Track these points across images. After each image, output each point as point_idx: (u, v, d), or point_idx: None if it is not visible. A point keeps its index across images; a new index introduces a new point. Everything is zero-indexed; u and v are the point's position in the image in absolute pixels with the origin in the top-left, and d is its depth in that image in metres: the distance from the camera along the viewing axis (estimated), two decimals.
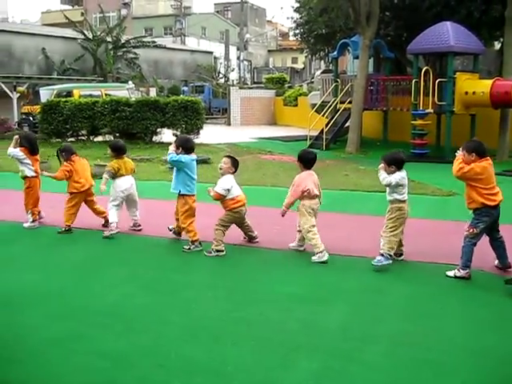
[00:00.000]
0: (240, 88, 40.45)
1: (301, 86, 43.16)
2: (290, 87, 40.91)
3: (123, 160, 8.69)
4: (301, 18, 30.44)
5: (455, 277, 6.52)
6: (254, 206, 9.88)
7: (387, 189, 7.08)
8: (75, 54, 41.71)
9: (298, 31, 31.85)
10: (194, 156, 7.91)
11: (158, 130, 21.65)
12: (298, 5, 30.45)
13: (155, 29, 67.69)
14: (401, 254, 7.25)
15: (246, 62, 63.38)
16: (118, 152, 8.70)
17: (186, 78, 53.07)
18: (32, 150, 9.21)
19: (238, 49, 60.23)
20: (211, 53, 60.17)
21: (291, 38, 58.82)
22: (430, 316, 5.44)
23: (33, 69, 39.38)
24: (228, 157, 7.86)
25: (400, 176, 6.95)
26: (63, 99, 23.52)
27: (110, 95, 25.69)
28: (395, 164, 7.01)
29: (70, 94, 27.74)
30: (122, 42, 44.41)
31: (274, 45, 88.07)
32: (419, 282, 6.43)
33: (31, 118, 28.58)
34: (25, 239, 8.47)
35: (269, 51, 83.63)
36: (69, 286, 6.32)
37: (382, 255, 6.83)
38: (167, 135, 21.66)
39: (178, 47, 57.72)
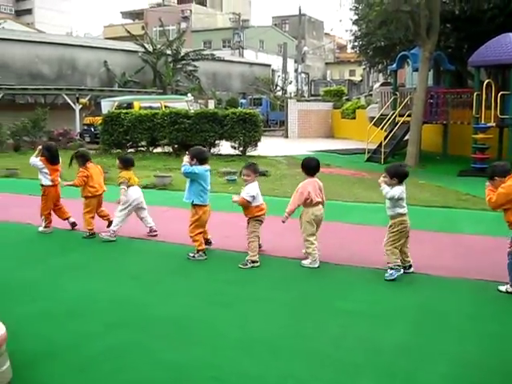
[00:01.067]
0: (298, 100, 40.45)
1: (358, 98, 42.90)
2: (347, 100, 40.73)
3: (131, 172, 9.06)
4: (359, 30, 30.30)
5: (507, 292, 6.40)
6: None
7: (388, 204, 7.09)
8: (136, 67, 42.52)
9: (356, 44, 31.71)
10: (207, 167, 8.08)
11: (217, 142, 21.78)
12: (356, 17, 30.32)
13: (214, 42, 68.42)
14: (410, 266, 7.20)
15: (303, 75, 63.44)
16: (127, 164, 9.09)
17: (243, 90, 53.46)
18: (52, 159, 9.56)
19: (295, 61, 60.32)
20: (269, 65, 60.46)
21: (349, 51, 58.63)
22: (490, 336, 5.29)
23: (95, 81, 40.31)
24: (247, 167, 7.87)
25: (401, 189, 6.99)
26: (124, 111, 24.00)
27: (169, 107, 26.06)
28: (398, 177, 7.03)
29: (130, 105, 28.30)
30: (182, 54, 45.06)
31: (332, 57, 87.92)
32: (478, 300, 6.27)
33: (92, 129, 29.30)
34: (84, 248, 8.60)
35: (326, 64, 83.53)
36: (128, 295, 6.39)
37: (392, 268, 6.88)
38: (225, 147, 21.78)
39: (236, 60, 58.19)
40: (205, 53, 48.07)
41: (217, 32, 69.42)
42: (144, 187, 13.22)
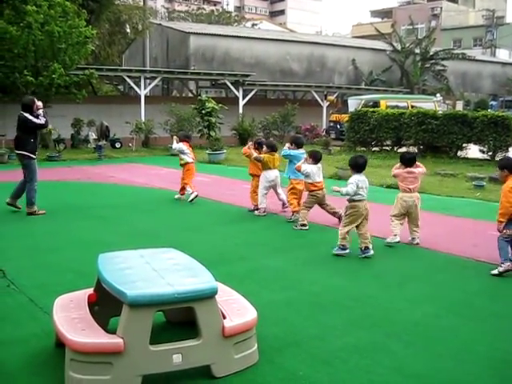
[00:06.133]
0: None
1: None
2: None
3: (273, 156, 10.69)
4: None
5: (499, 272, 6.96)
6: None
7: None
8: (383, 65, 42.48)
9: None
10: (302, 151, 10.20)
11: (464, 145, 21.04)
12: None
13: (464, 40, 66.16)
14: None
15: None
16: (272, 149, 10.70)
17: (494, 91, 50.95)
18: (189, 141, 12.68)
19: None
20: None
21: None
22: None
23: (342, 79, 41.01)
24: (309, 152, 9.70)
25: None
26: (370, 109, 24.17)
27: (416, 107, 25.75)
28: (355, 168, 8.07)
29: (376, 104, 28.36)
30: (431, 53, 44.12)
31: None
32: None
33: (338, 126, 29.89)
34: (323, 245, 8.55)
35: None
36: (371, 294, 6.37)
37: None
38: (473, 151, 20.96)
39: (487, 59, 55.56)
40: (455, 52, 46.57)
41: (468, 30, 67.04)
42: (387, 186, 13.88)
